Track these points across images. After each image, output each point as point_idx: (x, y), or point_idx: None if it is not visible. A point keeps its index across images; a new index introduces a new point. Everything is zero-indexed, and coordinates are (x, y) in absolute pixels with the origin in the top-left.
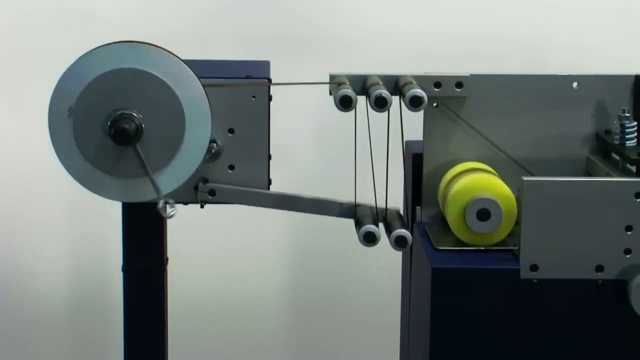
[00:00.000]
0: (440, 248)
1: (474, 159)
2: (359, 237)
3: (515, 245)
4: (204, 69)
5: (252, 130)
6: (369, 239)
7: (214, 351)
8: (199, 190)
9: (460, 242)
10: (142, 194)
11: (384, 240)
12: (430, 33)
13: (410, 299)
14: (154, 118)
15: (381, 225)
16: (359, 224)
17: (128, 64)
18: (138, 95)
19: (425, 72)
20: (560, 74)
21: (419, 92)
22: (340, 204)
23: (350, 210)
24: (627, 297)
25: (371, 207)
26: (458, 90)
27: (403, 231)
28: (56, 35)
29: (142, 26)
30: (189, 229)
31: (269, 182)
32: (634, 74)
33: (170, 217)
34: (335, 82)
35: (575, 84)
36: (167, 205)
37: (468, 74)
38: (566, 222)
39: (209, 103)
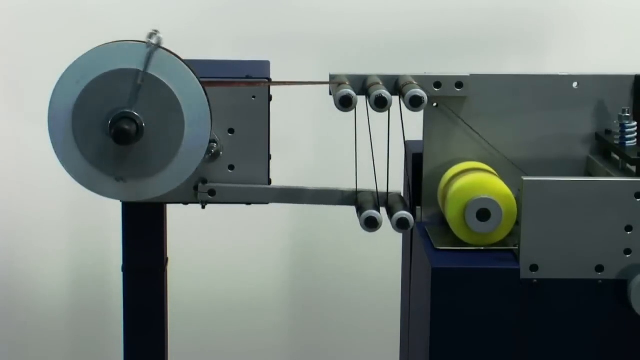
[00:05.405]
0: (440, 248)
1: (474, 159)
2: (360, 223)
3: (515, 245)
4: (204, 69)
5: (252, 130)
6: (371, 224)
7: (214, 351)
8: (199, 191)
9: (460, 242)
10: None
11: (384, 241)
12: (430, 33)
13: (410, 299)
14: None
15: (383, 211)
16: (360, 210)
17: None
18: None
19: (425, 72)
20: (560, 74)
21: (419, 92)
22: (342, 192)
23: (352, 197)
24: (627, 297)
25: (372, 193)
26: (458, 90)
27: (405, 213)
28: (56, 35)
29: (141, 26)
30: (189, 229)
31: (269, 182)
32: (634, 74)
33: None
34: (335, 82)
35: (575, 84)
36: None
37: (468, 74)
38: (566, 222)
39: (209, 103)
